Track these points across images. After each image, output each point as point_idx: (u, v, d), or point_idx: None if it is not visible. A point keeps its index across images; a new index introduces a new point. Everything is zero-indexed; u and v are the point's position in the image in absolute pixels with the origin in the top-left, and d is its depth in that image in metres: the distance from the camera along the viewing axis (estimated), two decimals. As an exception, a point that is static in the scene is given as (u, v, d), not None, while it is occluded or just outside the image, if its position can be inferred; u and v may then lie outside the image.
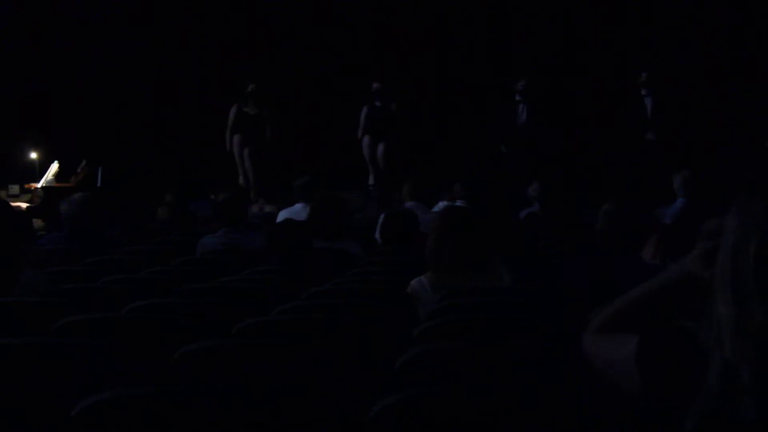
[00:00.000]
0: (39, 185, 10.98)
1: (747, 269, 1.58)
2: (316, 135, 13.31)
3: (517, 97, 11.90)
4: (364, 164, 12.17)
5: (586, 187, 10.87)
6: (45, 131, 12.54)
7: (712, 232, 1.77)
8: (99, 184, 11.36)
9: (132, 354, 2.99)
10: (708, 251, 1.75)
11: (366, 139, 11.98)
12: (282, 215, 7.75)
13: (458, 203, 8.45)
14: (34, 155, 12.28)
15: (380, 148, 11.96)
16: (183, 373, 2.86)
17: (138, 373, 2.89)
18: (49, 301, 3.82)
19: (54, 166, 11.29)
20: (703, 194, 8.41)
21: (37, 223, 9.17)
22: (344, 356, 3.07)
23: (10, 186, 11.49)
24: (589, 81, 12.96)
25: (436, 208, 8.28)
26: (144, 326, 3.40)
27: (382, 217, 6.57)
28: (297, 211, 7.46)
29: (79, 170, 11.38)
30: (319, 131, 13.33)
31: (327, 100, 13.32)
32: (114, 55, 13.27)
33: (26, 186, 11.25)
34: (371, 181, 12.05)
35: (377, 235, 6.78)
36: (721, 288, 1.62)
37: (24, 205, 10.03)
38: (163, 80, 13.46)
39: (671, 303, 1.89)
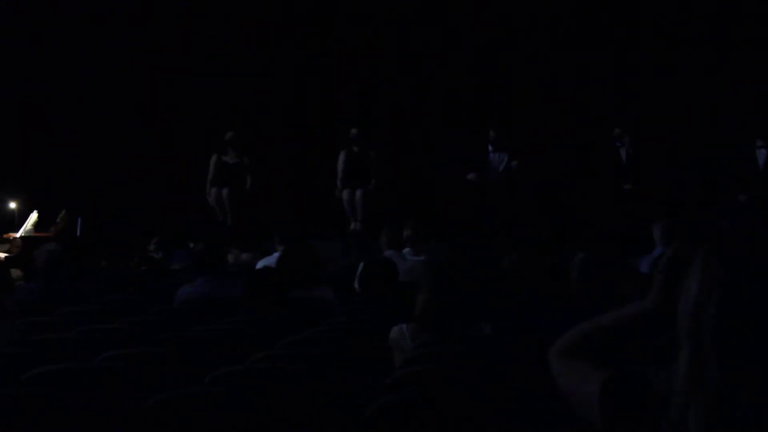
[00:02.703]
0: (18, 235, 10.94)
1: (706, 331, 1.59)
2: (297, 182, 13.33)
3: (490, 147, 11.99)
4: (345, 212, 12.19)
5: (565, 236, 10.90)
6: (25, 181, 12.53)
7: (668, 265, 1.80)
8: (78, 234, 11.34)
9: (104, 404, 2.98)
10: (664, 284, 1.79)
11: (345, 193, 12.01)
12: (261, 263, 7.73)
13: (407, 251, 8.39)
14: (13, 205, 12.25)
15: (358, 194, 11.98)
16: (155, 422, 2.85)
17: (109, 423, 2.88)
18: (21, 351, 3.80)
19: (33, 216, 11.26)
20: (681, 244, 8.43)
21: (16, 273, 9.11)
22: (317, 405, 3.07)
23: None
24: (564, 132, 13.02)
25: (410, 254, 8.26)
26: (116, 376, 3.38)
27: (361, 265, 6.56)
28: (275, 259, 7.44)
29: (58, 220, 11.36)
30: (300, 178, 13.34)
31: (306, 147, 13.36)
32: (93, 106, 13.29)
33: (5, 235, 11.18)
34: (352, 228, 12.06)
35: (356, 284, 6.76)
36: (681, 345, 1.64)
37: (1, 254, 9.98)
38: (140, 130, 13.46)
39: (634, 335, 1.93)
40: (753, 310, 1.60)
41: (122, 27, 13.48)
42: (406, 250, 8.45)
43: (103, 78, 13.38)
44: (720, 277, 1.62)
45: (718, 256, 1.66)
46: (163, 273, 8.63)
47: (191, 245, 10.49)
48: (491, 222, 11.67)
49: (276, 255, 7.71)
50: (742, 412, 1.56)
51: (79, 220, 11.65)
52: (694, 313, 1.63)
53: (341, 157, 12.07)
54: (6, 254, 10.13)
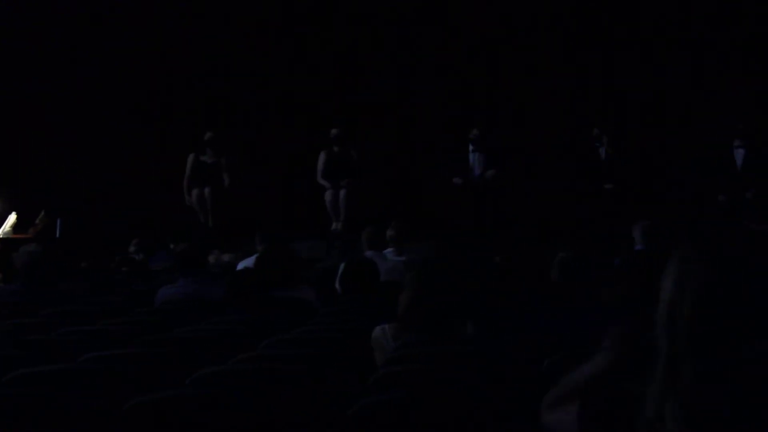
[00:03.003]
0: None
1: (681, 328, 1.61)
2: (277, 182, 13.30)
3: (471, 147, 12.02)
4: (326, 212, 12.19)
5: (546, 237, 10.93)
6: (3, 182, 12.46)
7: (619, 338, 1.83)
8: (58, 235, 11.29)
9: (85, 406, 2.97)
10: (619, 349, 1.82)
11: (327, 193, 12.01)
12: (242, 264, 7.73)
13: (389, 251, 8.41)
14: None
15: (341, 194, 11.99)
16: (137, 423, 2.85)
17: (91, 424, 2.87)
18: (1, 353, 3.78)
19: (12, 217, 11.20)
20: (660, 243, 8.51)
21: (-7, 274, 9.08)
22: (300, 405, 3.07)
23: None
24: (545, 133, 13.05)
25: (391, 253, 8.29)
26: (98, 377, 3.37)
27: (342, 265, 6.56)
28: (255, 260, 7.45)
29: (37, 221, 11.30)
30: (280, 179, 13.32)
31: (286, 147, 13.33)
32: (77, 106, 13.24)
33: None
34: (334, 228, 12.06)
35: (337, 284, 6.76)
36: (657, 342, 1.65)
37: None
38: (120, 132, 13.40)
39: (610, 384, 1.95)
40: (728, 306, 1.61)
41: (122, 27, 13.44)
42: (388, 250, 8.47)
43: (99, 78, 13.32)
44: (695, 273, 1.64)
45: (694, 252, 1.68)
46: (144, 274, 8.61)
47: (171, 246, 10.48)
48: (474, 223, 11.72)
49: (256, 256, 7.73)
50: (719, 409, 1.57)
51: (59, 220, 11.59)
52: (670, 310, 1.64)
53: (321, 157, 12.08)
54: None
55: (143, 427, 2.81)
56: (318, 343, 4.23)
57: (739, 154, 11.92)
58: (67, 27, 13.37)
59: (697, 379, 1.58)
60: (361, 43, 13.52)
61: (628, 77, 13.03)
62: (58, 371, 3.42)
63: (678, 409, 1.59)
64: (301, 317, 5.09)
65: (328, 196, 12.03)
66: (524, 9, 13.41)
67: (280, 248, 6.25)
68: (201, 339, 4.41)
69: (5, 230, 10.97)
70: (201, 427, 2.86)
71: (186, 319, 5.12)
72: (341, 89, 13.40)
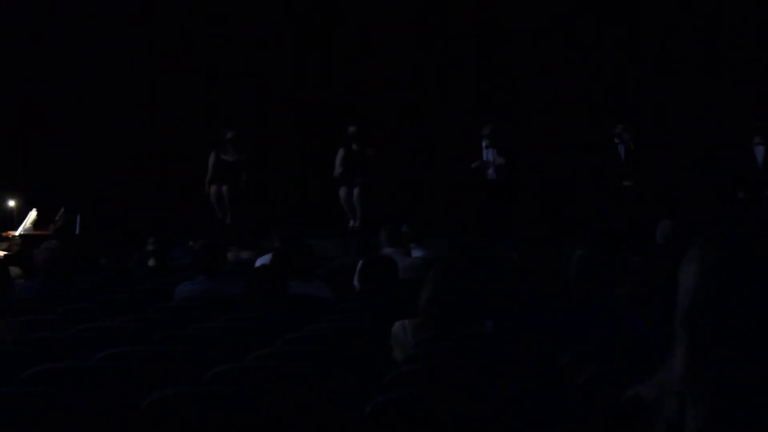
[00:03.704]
0: (17, 233, 10.93)
1: (705, 325, 1.56)
2: (297, 180, 13.33)
3: (484, 143, 11.99)
4: (343, 210, 12.21)
5: (564, 233, 10.91)
6: (24, 179, 12.53)
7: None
8: (77, 232, 11.33)
9: (102, 403, 2.97)
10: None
11: (343, 190, 12.02)
12: (260, 261, 7.72)
13: (413, 250, 8.42)
14: (12, 203, 12.24)
15: (356, 192, 11.99)
16: (154, 420, 2.84)
17: (108, 422, 2.87)
18: (20, 349, 3.79)
19: (32, 214, 11.26)
20: (680, 242, 8.46)
21: (15, 271, 9.10)
22: (316, 403, 3.06)
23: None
24: (564, 128, 13.02)
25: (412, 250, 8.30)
26: (115, 374, 3.38)
27: (360, 263, 6.55)
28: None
29: (57, 218, 11.35)
30: (300, 176, 13.35)
31: (306, 146, 13.37)
32: (92, 106, 13.30)
33: (3, 234, 11.19)
34: (351, 226, 12.07)
35: (356, 282, 6.76)
36: (677, 341, 1.61)
37: (1, 253, 9.97)
38: (141, 127, 13.47)
39: None
40: (755, 302, 1.58)
41: (122, 27, 13.49)
42: (413, 248, 8.49)
43: (103, 78, 13.39)
44: (721, 268, 1.60)
45: (718, 247, 1.64)
46: (162, 271, 8.63)
47: (190, 243, 10.50)
48: (491, 220, 11.70)
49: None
50: (745, 411, 1.53)
51: (78, 217, 11.64)
52: (692, 307, 1.60)
53: (339, 154, 12.09)
54: (5, 252, 10.13)
55: (160, 424, 2.81)
56: (336, 340, 4.23)
57: (759, 151, 11.86)
58: (66, 27, 13.42)
59: (721, 380, 1.53)
60: (375, 42, 13.51)
61: (647, 74, 12.99)
62: (75, 368, 3.43)
63: (701, 413, 1.54)
64: (317, 314, 5.09)
65: (342, 193, 12.05)
66: (544, 3, 13.38)
67: (297, 243, 6.27)
68: (218, 336, 4.41)
69: (26, 227, 11.03)
70: (216, 425, 2.85)
71: (204, 316, 5.13)
72: (357, 88, 13.39)
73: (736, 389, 1.54)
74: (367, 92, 13.38)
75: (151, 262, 9.54)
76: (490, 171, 11.96)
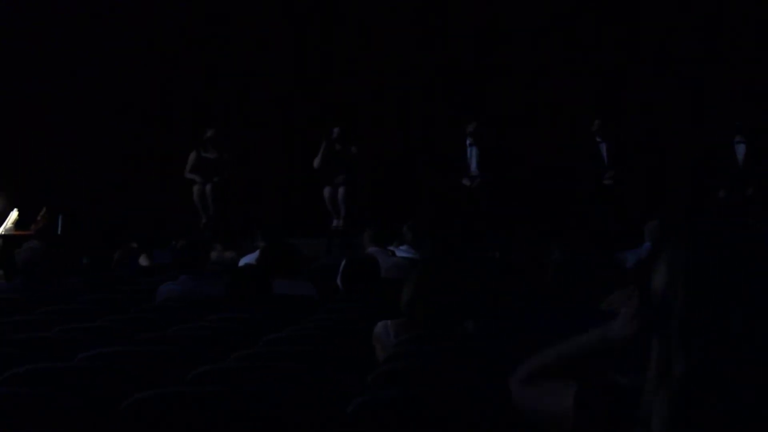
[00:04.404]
0: (-1, 233, 10.90)
1: (673, 321, 1.58)
2: (280, 180, 13.32)
3: (468, 141, 12.02)
4: (327, 209, 12.21)
5: (547, 233, 10.93)
6: (5, 178, 12.49)
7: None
8: (59, 232, 11.31)
9: (84, 403, 2.97)
10: (632, 313, 1.80)
11: (327, 190, 12.03)
12: (243, 261, 7.73)
13: (402, 248, 8.45)
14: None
15: (340, 191, 12.00)
16: (134, 420, 2.84)
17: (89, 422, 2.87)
18: (1, 350, 3.78)
19: (13, 214, 11.22)
20: (667, 239, 8.46)
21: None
22: (299, 402, 3.07)
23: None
24: (543, 129, 13.05)
25: (393, 250, 8.32)
26: (95, 375, 3.38)
27: (343, 262, 6.57)
28: (257, 257, 7.44)
29: (38, 218, 11.32)
30: (283, 175, 13.34)
31: (288, 146, 13.37)
32: (76, 106, 13.28)
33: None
34: (334, 225, 12.08)
35: (338, 281, 6.77)
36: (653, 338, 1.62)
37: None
38: (123, 127, 13.45)
39: (601, 361, 1.92)
40: (720, 298, 1.58)
41: (122, 27, 13.48)
42: (403, 247, 8.52)
43: (99, 78, 13.36)
44: (687, 264, 1.61)
45: (686, 245, 1.65)
46: (144, 271, 8.62)
47: (173, 243, 10.48)
48: (475, 220, 11.72)
49: (257, 252, 7.73)
50: (709, 407, 1.54)
51: (60, 217, 11.62)
52: (662, 303, 1.61)
53: (321, 152, 12.08)
54: None
55: (141, 425, 2.81)
56: (318, 339, 4.24)
57: (741, 149, 11.94)
58: (66, 27, 13.41)
59: (687, 375, 1.55)
60: (359, 43, 13.52)
61: (629, 74, 13.04)
62: (56, 369, 3.43)
63: (666, 409, 1.56)
64: (301, 313, 5.10)
65: (326, 192, 12.06)
66: (523, 5, 13.41)
67: (282, 244, 6.29)
68: (201, 336, 4.42)
69: (7, 227, 10.99)
70: (197, 425, 2.85)
71: (186, 316, 5.12)
72: (341, 88, 13.40)
73: (702, 386, 1.55)
74: (355, 93, 13.37)
75: (143, 261, 9.52)
76: (473, 167, 12.00)
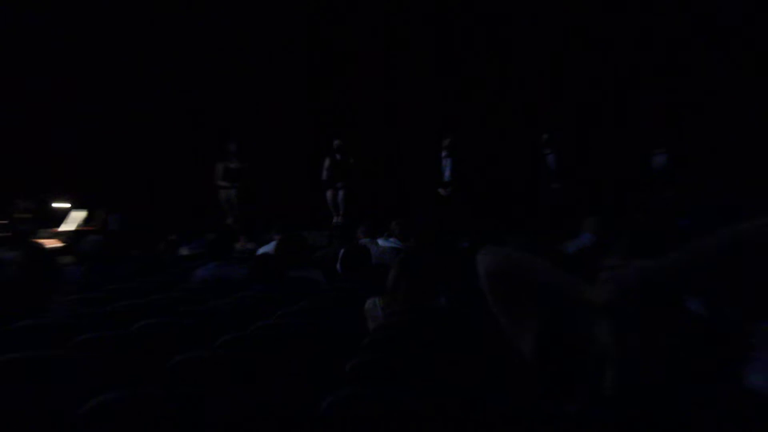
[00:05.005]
0: (67, 228, 10.89)
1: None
2: (290, 184, 13.30)
3: (444, 153, 12.02)
4: (329, 209, 12.20)
5: (504, 227, 10.92)
6: (77, 189, 12.48)
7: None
8: (115, 228, 11.30)
9: (136, 363, 3.00)
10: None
11: (329, 192, 12.03)
12: (261, 250, 7.73)
13: (390, 240, 8.44)
14: (65, 206, 12.19)
15: (339, 194, 12.01)
16: (178, 376, 2.88)
17: (139, 378, 2.89)
18: (71, 321, 3.81)
19: (81, 214, 11.21)
20: (606, 235, 8.47)
21: (68, 259, 9.07)
22: (306, 360, 3.09)
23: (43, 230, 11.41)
24: (503, 144, 13.02)
25: (380, 241, 8.32)
26: (147, 341, 3.41)
27: (342, 251, 6.57)
28: (273, 247, 7.44)
29: (98, 217, 11.32)
30: (293, 181, 13.31)
31: (297, 157, 13.33)
32: (129, 129, 13.21)
33: (56, 230, 11.14)
34: (335, 221, 12.07)
35: (338, 266, 6.77)
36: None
37: (56, 244, 9.93)
38: (164, 145, 13.40)
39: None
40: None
41: (169, 59, 13.28)
42: (383, 239, 8.49)
43: (145, 105, 13.24)
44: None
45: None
46: (183, 258, 8.60)
47: (206, 236, 10.47)
48: (448, 218, 11.73)
49: (273, 243, 7.72)
50: (649, 378, 1.57)
51: (116, 217, 11.61)
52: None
53: (325, 163, 12.09)
54: (61, 245, 10.09)
55: (186, 378, 2.84)
56: (321, 313, 4.25)
57: (658, 159, 11.97)
58: (115, 51, 13.23)
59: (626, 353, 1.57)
60: (359, 75, 13.45)
61: (565, 100, 12.98)
62: (116, 336, 3.45)
63: (613, 378, 1.58)
64: (308, 292, 5.11)
65: (328, 195, 12.06)
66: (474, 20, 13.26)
67: (295, 236, 6.27)
68: (228, 310, 4.42)
69: (78, 224, 11.00)
70: (223, 381, 2.89)
71: (217, 294, 5.13)
72: (341, 111, 13.38)
73: (636, 364, 1.60)
74: (353, 114, 13.35)
75: (182, 251, 9.49)
76: (446, 175, 12.01)
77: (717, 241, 1.61)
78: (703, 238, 1.60)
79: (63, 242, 10.25)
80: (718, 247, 1.60)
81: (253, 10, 13.53)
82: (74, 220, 11.18)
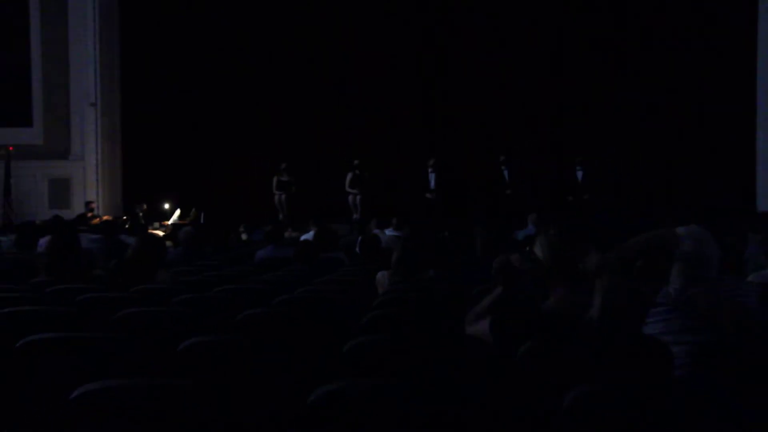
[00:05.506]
0: (170, 222, 10.91)
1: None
2: (324, 191, 13.15)
3: (429, 169, 12.00)
4: (350, 208, 12.20)
5: (475, 221, 10.75)
6: (173, 190, 12.46)
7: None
8: (202, 222, 11.30)
9: (217, 317, 2.95)
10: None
11: (350, 197, 12.07)
12: (303, 237, 7.71)
13: (388, 231, 8.39)
14: (167, 205, 12.22)
15: (357, 199, 12.04)
16: (247, 327, 2.81)
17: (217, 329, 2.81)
18: (173, 287, 3.79)
19: (177, 212, 11.23)
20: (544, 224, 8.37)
21: (169, 243, 9.07)
22: (330, 318, 3.07)
23: (154, 223, 11.39)
24: (474, 160, 12.79)
25: (387, 231, 8.30)
26: (223, 302, 3.39)
27: (359, 239, 6.55)
28: (311, 235, 7.43)
29: (191, 214, 11.32)
30: (325, 189, 13.19)
31: (328, 173, 13.13)
32: (210, 142, 12.92)
33: (163, 223, 11.17)
34: (354, 217, 12.07)
35: (357, 249, 6.74)
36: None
37: (162, 233, 9.95)
38: (240, 159, 13.10)
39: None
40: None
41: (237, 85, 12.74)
42: (388, 230, 8.47)
43: (231, 120, 12.81)
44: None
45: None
46: (247, 243, 8.59)
47: (264, 227, 10.43)
48: (434, 215, 11.71)
49: (311, 233, 7.71)
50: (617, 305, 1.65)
51: (203, 213, 11.61)
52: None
53: (348, 177, 12.12)
54: (165, 233, 10.11)
55: (251, 330, 2.80)
56: (345, 283, 4.23)
57: (579, 174, 11.95)
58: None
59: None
60: (370, 108, 12.87)
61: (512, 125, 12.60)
62: (203, 298, 3.44)
63: (598, 305, 1.66)
64: (336, 269, 5.10)
65: (350, 199, 12.10)
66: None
67: (326, 228, 6.25)
68: (280, 280, 4.41)
69: (174, 219, 11.01)
70: (282, 329, 2.85)
71: (272, 268, 5.13)
72: (358, 139, 13.01)
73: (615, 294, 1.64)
74: (366, 140, 12.92)
75: (243, 236, 9.51)
76: (432, 185, 12.03)
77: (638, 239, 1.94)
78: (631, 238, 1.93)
79: (168, 232, 10.26)
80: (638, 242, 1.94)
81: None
82: (176, 216, 11.19)
